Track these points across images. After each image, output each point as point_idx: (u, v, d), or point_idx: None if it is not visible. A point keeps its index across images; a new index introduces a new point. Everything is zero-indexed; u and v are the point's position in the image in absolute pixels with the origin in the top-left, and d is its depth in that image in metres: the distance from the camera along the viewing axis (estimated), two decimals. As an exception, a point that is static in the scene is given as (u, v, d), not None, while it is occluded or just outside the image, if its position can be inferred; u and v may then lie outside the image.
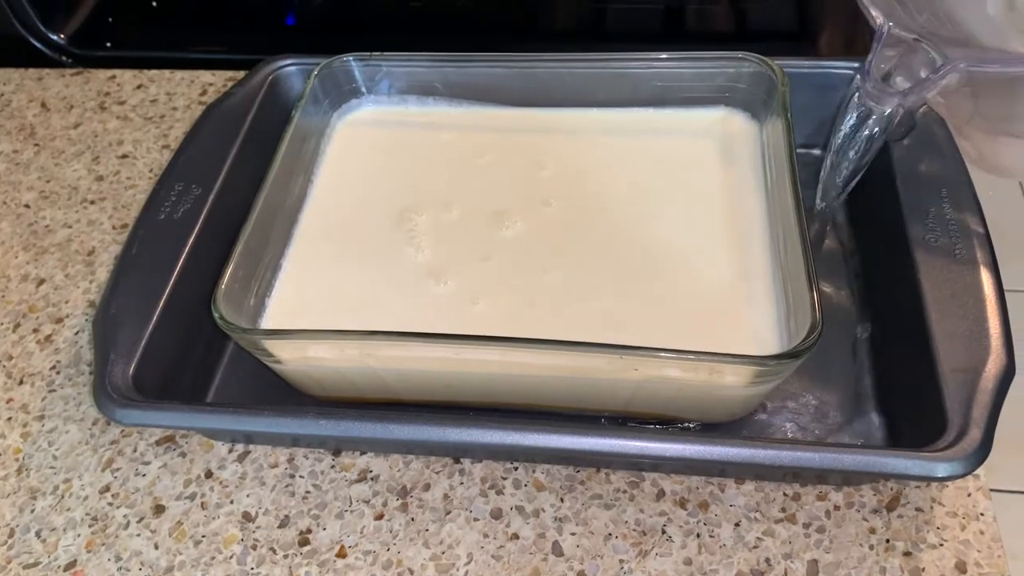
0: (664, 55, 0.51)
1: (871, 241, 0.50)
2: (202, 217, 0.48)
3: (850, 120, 0.45)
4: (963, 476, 0.36)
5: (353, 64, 0.54)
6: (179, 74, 0.67)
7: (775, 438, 0.41)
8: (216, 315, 0.40)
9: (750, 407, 0.43)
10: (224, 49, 0.78)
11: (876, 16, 0.43)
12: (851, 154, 0.46)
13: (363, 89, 0.55)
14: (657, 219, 0.48)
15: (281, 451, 0.46)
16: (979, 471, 0.42)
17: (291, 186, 0.49)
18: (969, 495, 0.41)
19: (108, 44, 0.77)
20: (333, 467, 0.45)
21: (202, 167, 0.51)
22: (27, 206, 0.59)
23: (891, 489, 0.42)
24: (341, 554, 0.42)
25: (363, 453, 0.45)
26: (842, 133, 0.46)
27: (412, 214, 0.49)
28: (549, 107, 0.54)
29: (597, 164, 0.51)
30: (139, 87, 0.66)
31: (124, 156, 0.61)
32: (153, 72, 0.67)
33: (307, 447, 0.46)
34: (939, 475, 0.36)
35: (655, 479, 0.43)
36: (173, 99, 0.65)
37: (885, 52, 0.43)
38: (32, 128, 0.64)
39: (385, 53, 0.53)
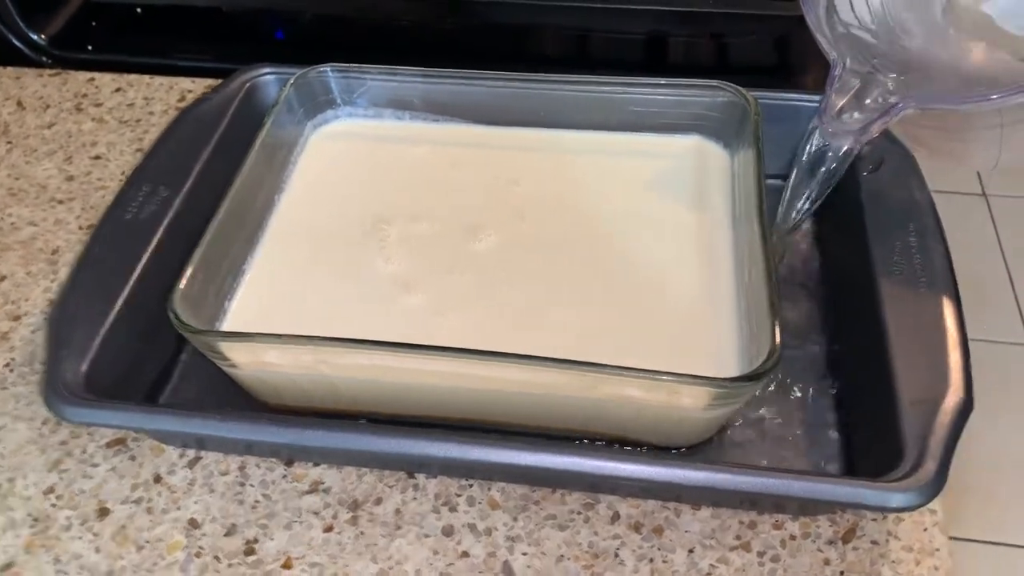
0: (641, 80, 0.52)
1: (838, 271, 0.50)
2: (167, 219, 0.47)
3: (807, 155, 0.45)
4: (917, 508, 0.36)
5: (330, 75, 0.53)
6: (159, 79, 0.67)
7: (730, 463, 0.40)
8: (172, 315, 0.40)
9: (710, 431, 0.43)
10: (209, 58, 0.78)
11: (830, 52, 0.43)
12: (807, 188, 0.46)
13: (339, 101, 0.55)
14: (628, 240, 0.48)
15: (233, 459, 0.45)
16: (936, 507, 0.41)
17: (259, 193, 0.49)
18: (925, 530, 0.41)
19: (89, 47, 0.77)
20: (285, 477, 0.44)
21: (171, 170, 0.51)
22: (-6, 203, 0.58)
23: (847, 521, 0.41)
24: (287, 565, 0.41)
25: (316, 464, 0.44)
26: (799, 168, 0.46)
27: (383, 225, 0.49)
28: (526, 127, 0.54)
29: (572, 183, 0.51)
30: (117, 90, 0.66)
31: (97, 157, 0.61)
32: (132, 76, 0.67)
33: (260, 456, 0.45)
34: (892, 506, 0.36)
35: (611, 502, 0.43)
36: (151, 104, 0.65)
37: (842, 87, 0.43)
38: (6, 126, 0.64)
39: (363, 65, 0.54)
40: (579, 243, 0.48)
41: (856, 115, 0.43)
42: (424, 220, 0.49)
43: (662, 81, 0.51)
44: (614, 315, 0.44)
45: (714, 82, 0.51)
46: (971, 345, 0.41)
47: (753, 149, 0.46)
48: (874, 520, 0.41)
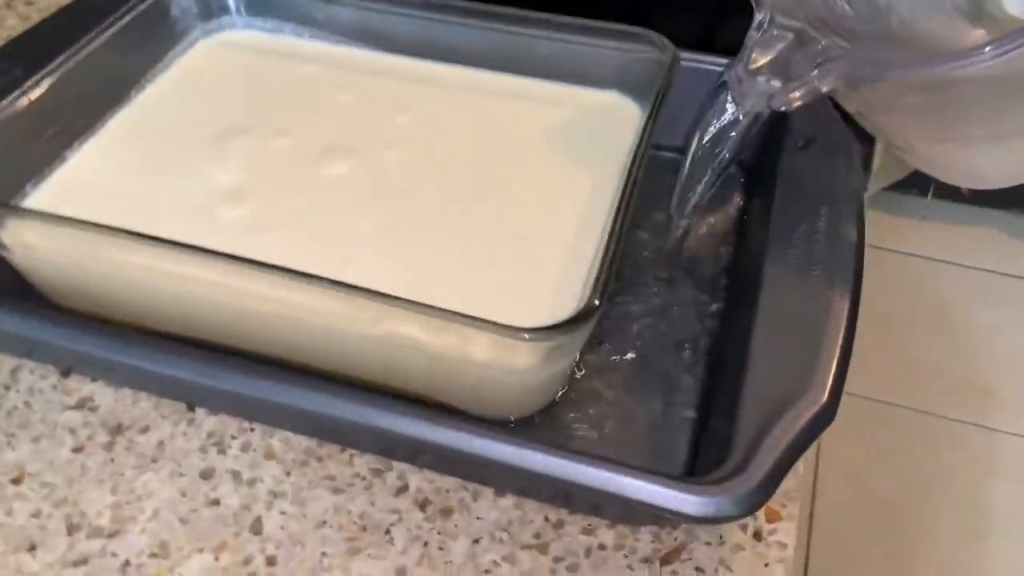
0: (560, 21, 0.46)
1: (734, 252, 0.43)
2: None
3: (713, 120, 0.39)
4: (724, 520, 0.29)
5: (232, -21, 0.49)
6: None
7: (517, 437, 0.33)
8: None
9: (523, 403, 0.36)
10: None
11: (760, 1, 0.37)
12: (707, 162, 0.39)
13: (239, 9, 0.50)
14: (495, 187, 0.41)
15: (9, 361, 0.40)
16: (788, 540, 0.34)
17: (109, 84, 0.44)
18: (767, 565, 0.33)
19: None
20: (55, 388, 0.39)
21: (42, 51, 0.46)
22: None
23: (674, 540, 0.34)
24: (17, 480, 0.35)
25: (94, 380, 0.39)
26: (704, 134, 0.39)
27: (236, 135, 0.44)
28: (431, 60, 0.48)
29: (462, 122, 0.45)
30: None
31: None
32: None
33: (39, 362, 0.40)
34: (690, 512, 0.28)
35: (404, 472, 0.36)
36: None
37: (765, 44, 0.36)
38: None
39: (267, -29, 0.49)
40: (440, 183, 0.41)
41: (774, 82, 0.36)
42: (283, 138, 0.44)
43: (582, 25, 0.45)
44: (448, 259, 0.38)
45: (638, 29, 0.44)
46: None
47: (651, 99, 0.40)
48: (708, 544, 0.34)
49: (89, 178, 0.41)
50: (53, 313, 0.37)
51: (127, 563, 0.33)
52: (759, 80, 0.36)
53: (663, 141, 0.48)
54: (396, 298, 0.31)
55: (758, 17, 0.36)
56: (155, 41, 0.47)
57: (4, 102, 0.39)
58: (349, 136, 0.44)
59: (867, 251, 0.37)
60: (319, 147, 0.43)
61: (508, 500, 0.35)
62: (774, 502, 0.35)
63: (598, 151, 0.43)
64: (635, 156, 0.37)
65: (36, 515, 0.34)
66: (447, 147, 0.43)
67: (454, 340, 0.32)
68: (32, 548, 0.34)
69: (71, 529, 0.34)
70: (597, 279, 0.31)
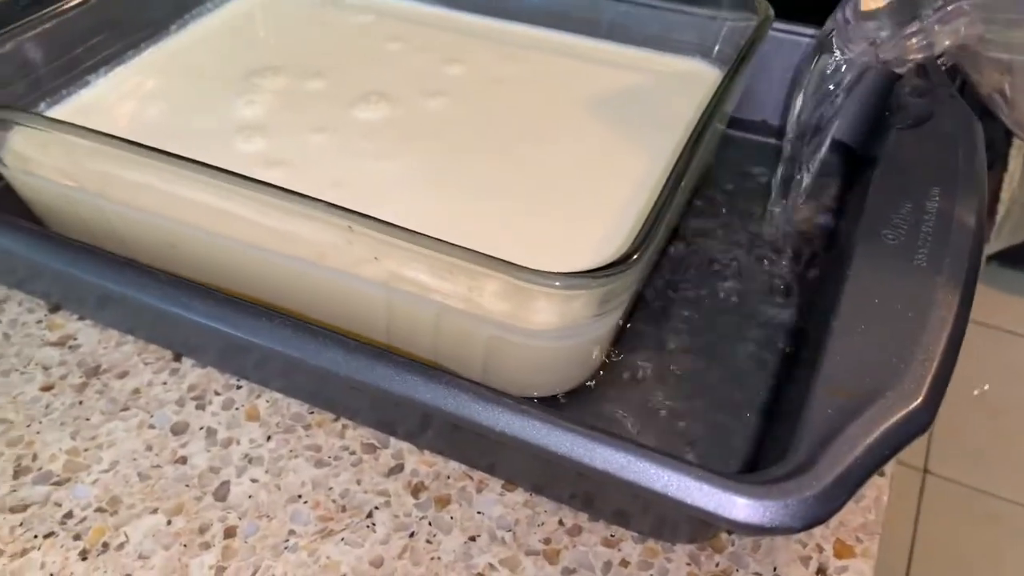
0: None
1: (823, 237, 0.36)
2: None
3: (811, 80, 0.33)
4: (777, 531, 0.22)
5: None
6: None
7: (533, 408, 0.27)
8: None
9: (544, 376, 0.30)
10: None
11: None
12: (811, 132, 0.33)
13: (302, -42, 0.47)
14: (548, 142, 0.36)
15: (-1, 290, 0.36)
16: (861, 582, 0.27)
17: (144, 13, 0.41)
18: (832, 611, 0.26)
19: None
20: (40, 323, 0.35)
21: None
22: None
23: (716, 566, 0.27)
24: (-26, 415, 0.32)
25: (82, 319, 0.35)
26: (802, 98, 0.33)
27: (269, 73, 0.40)
28: (496, 17, 0.44)
29: (519, 77, 0.40)
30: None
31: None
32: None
33: (28, 293, 0.36)
34: (736, 517, 0.22)
35: (401, 451, 0.31)
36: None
37: None
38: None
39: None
40: (483, 133, 0.37)
41: (885, 32, 0.30)
42: (318, 79, 0.40)
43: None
44: (480, 210, 0.32)
45: (728, -10, 0.39)
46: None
47: (736, 61, 0.34)
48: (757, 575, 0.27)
49: (109, 103, 0.38)
50: (46, 231, 0.33)
51: (69, 515, 0.29)
52: (868, 25, 0.31)
53: (753, 117, 0.42)
54: (397, 227, 0.26)
55: None
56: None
57: (32, 17, 0.37)
58: (391, 82, 0.39)
59: (969, 326, 0.30)
60: (357, 92, 0.39)
61: (518, 496, 0.29)
62: (847, 532, 0.28)
63: (667, 117, 0.37)
64: (703, 114, 0.31)
65: (-15, 452, 0.30)
66: (498, 100, 0.39)
67: (463, 286, 0.26)
68: (-29, 488, 0.29)
69: (18, 472, 0.30)
70: (640, 232, 0.26)
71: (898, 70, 0.32)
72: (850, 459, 0.23)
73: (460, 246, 0.25)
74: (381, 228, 0.26)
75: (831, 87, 0.32)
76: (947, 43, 0.29)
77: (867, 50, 0.31)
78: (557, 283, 0.25)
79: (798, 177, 0.36)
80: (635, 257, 0.25)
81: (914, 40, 0.29)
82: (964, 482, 1.05)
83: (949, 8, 0.28)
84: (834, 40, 0.32)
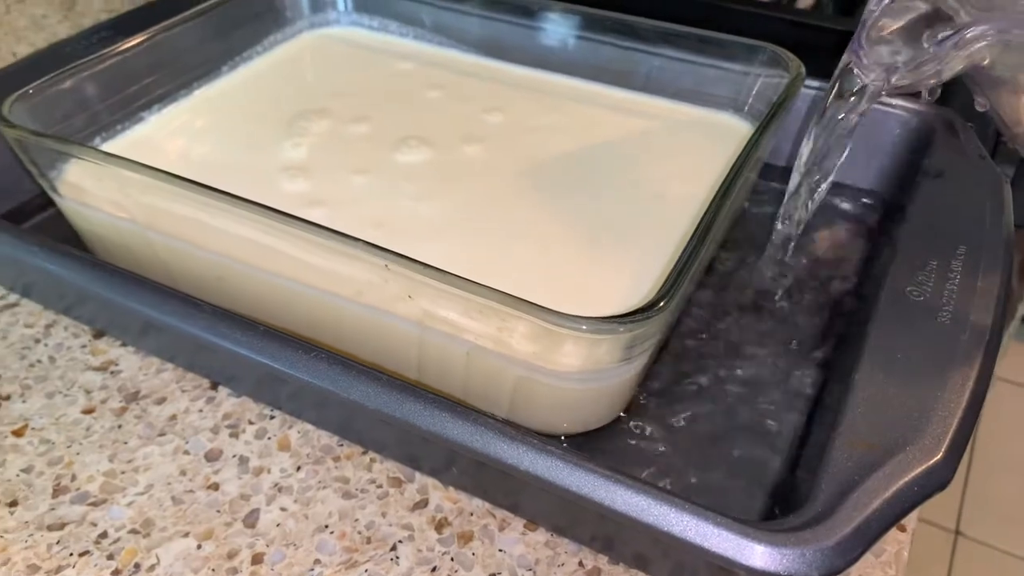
0: (678, 31, 0.42)
1: (847, 285, 0.37)
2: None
3: (829, 103, 0.33)
4: (792, 581, 0.22)
5: (343, -24, 0.48)
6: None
7: (558, 449, 0.27)
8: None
9: (574, 416, 0.31)
10: None
11: None
12: (819, 156, 0.34)
13: (346, 4, 0.49)
14: (582, 190, 0.37)
15: (47, 316, 0.38)
16: (879, 637, 0.27)
17: (198, 55, 0.43)
18: (849, 664, 0.26)
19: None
20: (84, 347, 0.36)
21: (145, 23, 0.46)
22: None
23: (735, 613, 0.27)
24: (19, 432, 0.33)
25: (124, 345, 0.36)
26: (819, 123, 0.34)
27: (315, 116, 0.41)
28: (535, 68, 0.45)
29: (556, 127, 0.41)
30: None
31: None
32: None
33: (74, 319, 0.38)
34: (754, 564, 0.22)
35: (426, 486, 0.31)
36: None
37: (897, 7, 0.31)
38: None
39: (380, -30, 0.48)
40: (519, 179, 0.38)
41: (900, 56, 0.31)
42: (362, 124, 0.41)
43: (699, 37, 0.41)
44: (513, 254, 0.33)
45: (762, 44, 0.40)
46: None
47: (771, 116, 0.35)
48: (776, 625, 0.27)
49: (160, 140, 0.40)
50: (94, 259, 0.35)
51: (104, 535, 0.29)
52: (882, 50, 0.31)
53: (777, 162, 0.43)
54: (431, 267, 0.27)
55: None
56: (259, 25, 0.46)
57: (92, 56, 0.39)
58: (432, 128, 0.41)
59: (998, 383, 0.30)
60: (398, 136, 0.40)
61: (540, 535, 0.30)
62: (866, 587, 0.28)
63: (699, 168, 0.38)
64: (733, 166, 0.32)
65: (27, 470, 0.32)
66: (534, 148, 0.40)
67: (493, 327, 0.27)
68: (13, 504, 0.30)
69: (57, 491, 0.31)
70: (667, 280, 0.26)
71: (911, 89, 0.32)
72: (869, 511, 0.23)
73: (491, 287, 0.26)
74: (416, 268, 0.27)
75: (840, 116, 0.33)
76: (960, 68, 0.30)
77: (881, 75, 0.32)
78: (584, 327, 0.25)
79: (800, 208, 0.37)
80: (661, 305, 0.26)
81: (928, 67, 0.30)
82: (997, 545, 1.03)
83: (967, 34, 0.29)
84: (854, 66, 0.33)
